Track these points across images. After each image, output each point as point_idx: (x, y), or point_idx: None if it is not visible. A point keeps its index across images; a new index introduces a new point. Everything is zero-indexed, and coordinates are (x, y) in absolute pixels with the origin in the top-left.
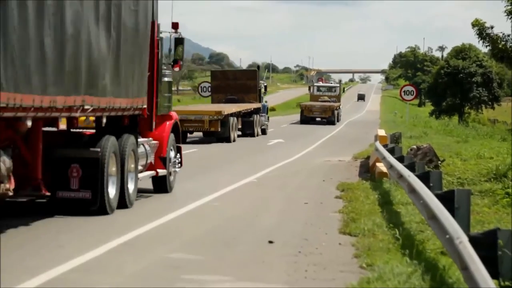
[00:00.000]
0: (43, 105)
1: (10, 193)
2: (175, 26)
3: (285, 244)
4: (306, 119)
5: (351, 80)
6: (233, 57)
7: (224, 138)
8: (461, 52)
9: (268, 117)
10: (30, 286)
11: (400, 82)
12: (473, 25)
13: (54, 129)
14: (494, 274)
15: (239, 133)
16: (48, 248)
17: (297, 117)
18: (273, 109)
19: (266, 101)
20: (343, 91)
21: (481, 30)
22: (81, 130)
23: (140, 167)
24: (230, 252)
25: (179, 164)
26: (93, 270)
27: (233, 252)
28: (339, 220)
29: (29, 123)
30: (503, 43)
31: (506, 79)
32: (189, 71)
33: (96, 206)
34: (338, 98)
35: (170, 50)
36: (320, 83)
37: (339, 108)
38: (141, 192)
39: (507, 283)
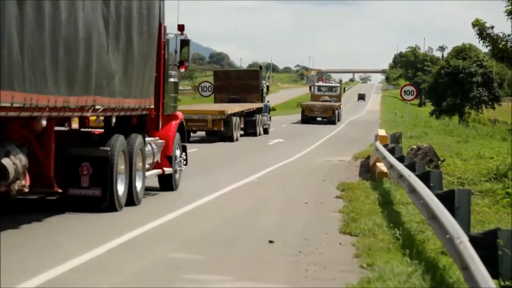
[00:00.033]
0: (57, 105)
1: (26, 189)
2: (181, 28)
3: (286, 243)
4: (307, 118)
5: (352, 80)
6: (234, 57)
7: (227, 137)
8: (461, 52)
9: (270, 116)
10: (30, 286)
11: (400, 82)
12: (474, 25)
13: (65, 128)
14: (495, 274)
15: (242, 132)
16: (48, 248)
17: (297, 117)
18: (273, 109)
19: (268, 101)
20: (344, 91)
21: (482, 30)
22: (90, 130)
23: (147, 166)
24: (231, 251)
25: (185, 163)
26: (93, 269)
27: (234, 251)
28: (340, 220)
29: (44, 123)
30: (503, 43)
31: (507, 79)
32: (190, 70)
33: (105, 203)
34: (338, 98)
35: (176, 51)
36: (321, 83)
37: (340, 107)
38: (147, 190)
39: (507, 283)
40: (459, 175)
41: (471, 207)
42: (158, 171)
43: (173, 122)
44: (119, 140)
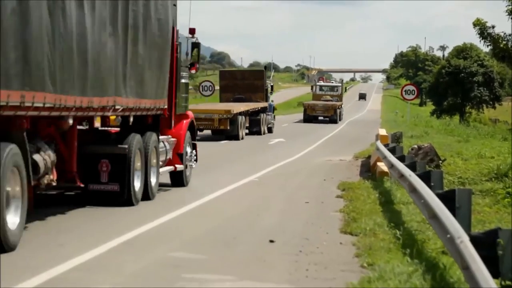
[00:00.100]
0: (83, 105)
1: (54, 183)
2: (192, 31)
3: (286, 243)
4: (309, 117)
5: (352, 80)
6: (234, 56)
7: (233, 136)
8: (462, 51)
9: (274, 116)
10: (30, 285)
11: (401, 82)
12: (475, 24)
13: (84, 127)
14: (495, 274)
15: (246, 131)
16: (48, 247)
17: (298, 116)
18: (274, 109)
19: (272, 101)
20: (345, 90)
21: (483, 29)
22: (107, 129)
23: (160, 163)
24: (231, 251)
25: (195, 160)
26: (93, 269)
27: (234, 251)
28: (340, 220)
29: (70, 121)
30: (504, 42)
31: (507, 79)
32: None
33: (123, 198)
34: (340, 97)
35: (187, 53)
36: (322, 83)
37: (341, 107)
38: (159, 186)
39: (508, 282)
40: (460, 174)
41: (472, 207)
42: (171, 167)
43: (184, 121)
44: (136, 139)
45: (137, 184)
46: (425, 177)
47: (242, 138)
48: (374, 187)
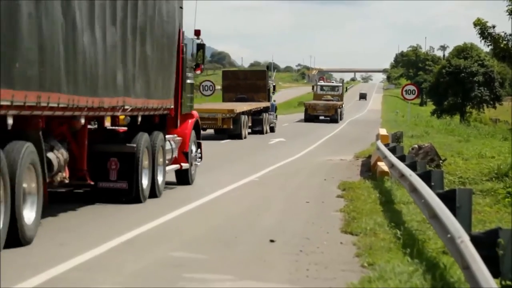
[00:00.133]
0: (94, 105)
1: (66, 181)
2: (197, 33)
3: (287, 243)
4: (310, 117)
5: (353, 79)
6: (235, 56)
7: (236, 135)
8: (462, 51)
9: (276, 115)
10: (30, 285)
11: (401, 81)
12: (475, 24)
13: (92, 126)
14: (496, 274)
15: (249, 130)
16: (49, 247)
17: (299, 116)
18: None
19: (274, 100)
20: (346, 90)
21: (483, 29)
22: (115, 128)
23: (166, 161)
24: (232, 251)
25: (200, 159)
26: (93, 269)
27: (235, 251)
28: (341, 219)
29: (82, 121)
30: (504, 42)
31: (508, 79)
32: None
33: (131, 196)
34: (341, 97)
35: (192, 55)
36: (322, 82)
37: (342, 106)
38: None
39: (508, 282)
40: (460, 174)
41: (472, 207)
42: (177, 166)
43: (190, 121)
44: (143, 138)
45: (145, 182)
46: (426, 177)
47: (245, 137)
48: (374, 186)
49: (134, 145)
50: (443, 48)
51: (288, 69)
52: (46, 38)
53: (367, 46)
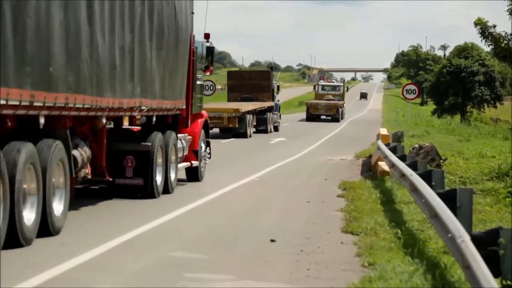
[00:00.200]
0: (114, 106)
1: (89, 177)
2: (207, 36)
3: (287, 242)
4: (312, 116)
5: (354, 79)
6: (235, 56)
7: (241, 133)
8: (463, 51)
9: (280, 115)
10: (30, 285)
11: (402, 81)
12: (476, 24)
13: (108, 126)
14: (496, 273)
15: (254, 129)
16: (49, 247)
17: (299, 115)
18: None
19: (278, 100)
20: (347, 89)
21: (484, 29)
22: (130, 127)
23: (178, 159)
24: (232, 250)
25: (209, 156)
26: (93, 268)
27: (235, 250)
28: (341, 219)
29: (104, 121)
30: (505, 42)
31: (509, 78)
32: None
33: (147, 192)
34: (342, 97)
35: (202, 57)
36: (323, 82)
37: (343, 106)
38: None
39: (509, 282)
40: (461, 174)
41: (473, 206)
42: (187, 164)
43: (199, 120)
44: (158, 137)
45: (159, 179)
46: (426, 177)
47: (250, 136)
48: (375, 186)
49: (149, 143)
50: (443, 47)
51: (288, 68)
52: (72, 42)
53: (368, 46)
